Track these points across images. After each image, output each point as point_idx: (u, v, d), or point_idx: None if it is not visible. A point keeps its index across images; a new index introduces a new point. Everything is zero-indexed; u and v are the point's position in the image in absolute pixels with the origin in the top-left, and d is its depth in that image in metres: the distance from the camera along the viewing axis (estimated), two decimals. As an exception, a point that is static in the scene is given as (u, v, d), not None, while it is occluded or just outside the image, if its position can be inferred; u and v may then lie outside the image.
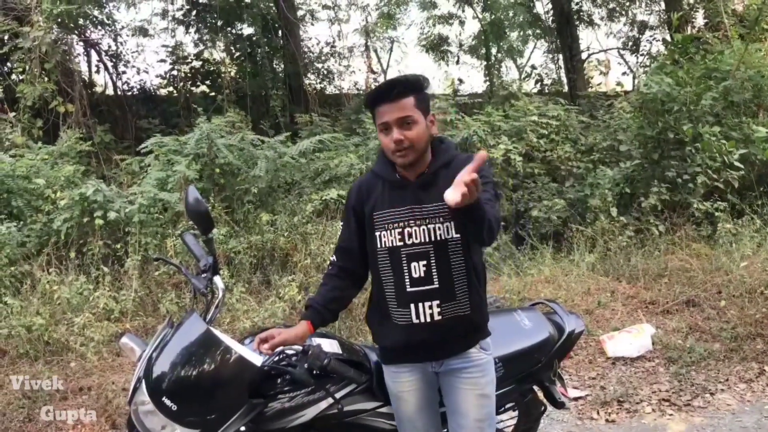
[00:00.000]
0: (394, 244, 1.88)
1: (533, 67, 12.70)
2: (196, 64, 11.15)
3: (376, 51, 12.21)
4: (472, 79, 15.73)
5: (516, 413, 2.50)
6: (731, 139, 6.25)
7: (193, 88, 10.94)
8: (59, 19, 7.30)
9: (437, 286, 1.86)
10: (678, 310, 4.70)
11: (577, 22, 12.55)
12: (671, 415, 3.53)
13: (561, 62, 12.47)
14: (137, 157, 6.32)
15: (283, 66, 11.42)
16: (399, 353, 1.96)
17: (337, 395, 1.95)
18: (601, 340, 4.35)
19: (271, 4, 10.74)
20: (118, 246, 5.02)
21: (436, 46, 12.54)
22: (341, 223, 2.06)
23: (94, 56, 10.38)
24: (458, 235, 1.85)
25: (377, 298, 1.98)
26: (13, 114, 6.92)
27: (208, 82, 11.08)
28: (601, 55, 13.37)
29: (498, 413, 2.31)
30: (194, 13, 10.83)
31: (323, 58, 12.06)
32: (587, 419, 3.56)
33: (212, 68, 11.13)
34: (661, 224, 5.84)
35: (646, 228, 5.82)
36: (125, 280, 4.78)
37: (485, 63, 11.92)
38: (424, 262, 1.86)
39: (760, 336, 4.23)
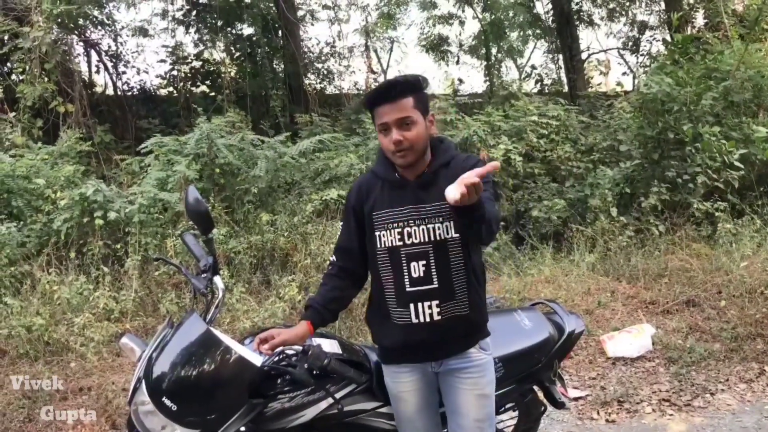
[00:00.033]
0: (394, 244, 1.88)
1: (533, 67, 12.73)
2: (196, 64, 11.16)
3: (376, 51, 12.21)
4: (472, 79, 15.75)
5: (516, 413, 2.50)
6: (731, 139, 6.25)
7: (193, 88, 10.94)
8: (59, 19, 7.31)
9: (437, 285, 1.86)
10: (678, 310, 4.70)
11: (577, 22, 12.56)
12: (671, 415, 3.53)
13: (561, 62, 12.48)
14: (137, 157, 6.31)
15: (283, 66, 11.42)
16: (398, 353, 1.96)
17: (337, 395, 1.94)
18: (601, 340, 4.35)
19: (271, 4, 10.74)
20: (118, 246, 5.02)
21: (436, 46, 12.54)
22: (341, 223, 2.06)
23: (94, 56, 10.41)
24: (458, 235, 1.85)
25: (377, 298, 1.98)
26: (13, 114, 6.92)
27: (208, 82, 11.09)
28: (601, 55, 13.41)
29: (498, 413, 2.31)
30: (194, 13, 10.83)
31: (323, 58, 12.06)
32: (587, 419, 3.56)
33: (212, 68, 11.13)
34: (661, 224, 5.84)
35: (646, 228, 5.82)
36: (125, 280, 4.78)
37: (485, 63, 11.92)
38: (424, 262, 1.86)
39: (760, 336, 4.23)
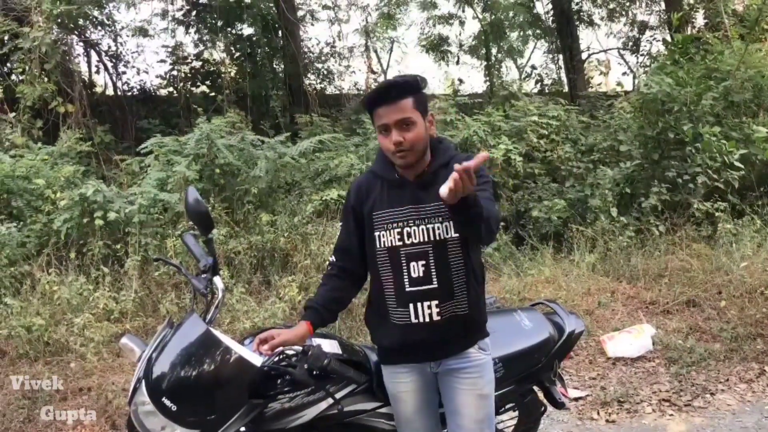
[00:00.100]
0: (394, 244, 1.88)
1: (533, 67, 12.72)
2: (196, 64, 11.14)
3: (376, 51, 12.21)
4: (472, 79, 15.68)
5: (516, 414, 2.50)
6: (731, 139, 6.25)
7: (193, 89, 10.93)
8: (59, 20, 7.30)
9: (436, 285, 1.86)
10: (678, 310, 4.70)
11: (577, 22, 12.55)
12: (671, 415, 3.53)
13: (561, 62, 12.47)
14: (137, 158, 6.30)
15: (283, 66, 11.41)
16: (397, 353, 1.96)
17: (337, 395, 1.94)
18: (602, 341, 4.35)
19: (271, 5, 10.73)
20: (118, 246, 5.02)
21: (436, 47, 12.52)
22: (340, 224, 2.06)
23: (94, 56, 10.39)
24: (457, 235, 1.85)
25: (376, 298, 1.98)
26: (13, 114, 6.91)
27: (208, 82, 11.07)
28: (601, 55, 13.39)
29: (498, 413, 2.31)
30: (194, 13, 10.82)
31: (323, 58, 12.06)
32: (587, 419, 3.56)
33: (212, 68, 11.12)
34: (662, 224, 5.84)
35: (647, 228, 5.82)
36: (125, 281, 4.77)
37: (485, 63, 11.90)
38: (423, 262, 1.86)
39: (760, 336, 4.23)
